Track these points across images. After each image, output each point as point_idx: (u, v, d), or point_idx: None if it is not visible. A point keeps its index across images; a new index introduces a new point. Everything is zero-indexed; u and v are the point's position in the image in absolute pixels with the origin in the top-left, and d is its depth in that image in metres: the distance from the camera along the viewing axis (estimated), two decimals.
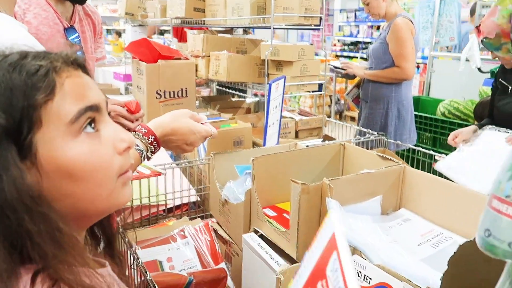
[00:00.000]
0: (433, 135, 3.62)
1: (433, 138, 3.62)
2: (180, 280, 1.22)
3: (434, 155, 1.73)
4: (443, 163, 1.55)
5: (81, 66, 0.59)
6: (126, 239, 1.10)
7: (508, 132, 1.98)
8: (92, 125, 0.58)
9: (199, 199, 1.74)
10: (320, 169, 1.35)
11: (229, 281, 1.35)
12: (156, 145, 1.10)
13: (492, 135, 2.03)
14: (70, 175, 0.54)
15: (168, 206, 1.66)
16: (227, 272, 1.34)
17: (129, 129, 1.37)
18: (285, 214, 1.22)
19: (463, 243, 0.76)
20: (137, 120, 1.70)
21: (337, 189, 1.01)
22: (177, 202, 1.67)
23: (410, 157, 1.93)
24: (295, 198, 1.03)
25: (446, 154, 1.99)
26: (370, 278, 0.90)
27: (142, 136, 1.08)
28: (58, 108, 0.53)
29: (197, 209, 1.72)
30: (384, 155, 1.21)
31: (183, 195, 1.66)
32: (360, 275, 0.92)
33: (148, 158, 1.10)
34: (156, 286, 0.93)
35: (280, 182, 1.29)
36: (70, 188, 0.55)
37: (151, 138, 1.08)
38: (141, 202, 1.58)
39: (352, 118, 6.79)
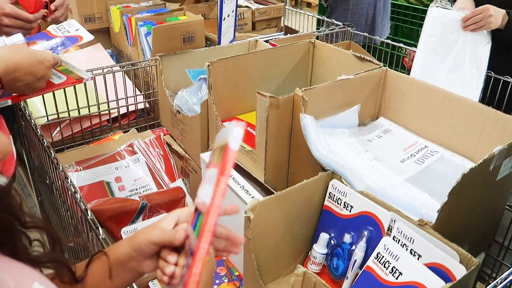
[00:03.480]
0: (395, 23, 3.43)
1: (395, 26, 3.44)
2: (131, 206, 1.07)
3: (406, 48, 1.56)
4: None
5: None
6: (60, 166, 0.91)
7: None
8: None
9: (148, 105, 1.54)
10: (286, 72, 1.16)
11: (188, 199, 1.23)
12: (0, 89, 0.82)
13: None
14: None
15: (113, 116, 1.45)
16: (185, 191, 1.21)
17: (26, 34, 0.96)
18: (249, 128, 1.06)
19: (467, 172, 0.64)
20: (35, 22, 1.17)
21: (311, 101, 0.85)
22: (123, 110, 1.46)
23: (373, 48, 1.76)
24: (262, 114, 0.86)
25: (410, 45, 1.82)
26: (352, 206, 0.79)
27: None
28: None
29: (147, 117, 1.53)
30: (362, 56, 1.04)
31: (129, 103, 1.45)
32: (339, 202, 0.81)
33: None
34: (95, 219, 0.77)
35: (240, 90, 1.10)
36: None
37: None
38: (79, 113, 1.36)
39: (308, 4, 6.40)
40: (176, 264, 0.54)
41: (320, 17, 2.30)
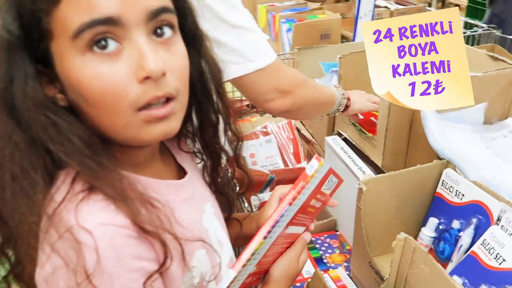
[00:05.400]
0: None
1: None
2: (262, 177, 1.24)
3: None
4: None
5: None
6: None
7: None
8: (108, 42, 0.47)
9: None
10: None
11: None
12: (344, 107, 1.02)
13: None
14: (81, 95, 0.49)
15: None
16: None
17: None
18: (372, 118, 1.14)
19: None
20: None
21: None
22: None
23: None
24: (385, 102, 0.94)
25: None
26: (463, 195, 0.83)
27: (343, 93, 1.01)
28: (64, 18, 0.46)
29: None
30: (495, 55, 1.04)
31: None
32: (451, 190, 0.85)
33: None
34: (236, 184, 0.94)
35: (369, 82, 1.18)
36: (86, 108, 0.50)
37: (346, 96, 1.02)
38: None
39: (457, 5, 6.00)
40: None
41: (467, 20, 2.05)
